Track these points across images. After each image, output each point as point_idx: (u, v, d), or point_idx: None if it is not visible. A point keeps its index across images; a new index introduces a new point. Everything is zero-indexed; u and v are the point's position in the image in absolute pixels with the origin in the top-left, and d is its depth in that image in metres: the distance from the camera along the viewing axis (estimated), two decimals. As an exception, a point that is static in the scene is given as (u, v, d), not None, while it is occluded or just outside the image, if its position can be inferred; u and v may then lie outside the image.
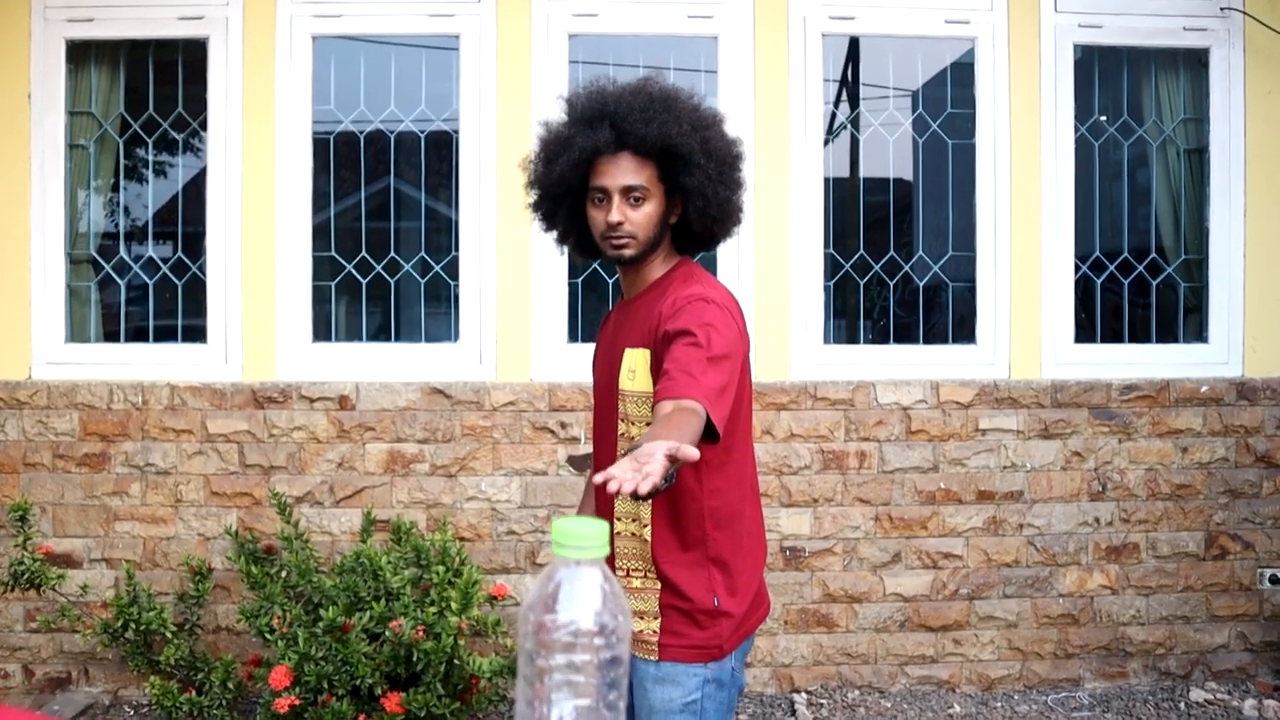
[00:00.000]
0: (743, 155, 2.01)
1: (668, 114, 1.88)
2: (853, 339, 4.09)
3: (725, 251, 3.75)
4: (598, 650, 1.01)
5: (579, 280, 3.82)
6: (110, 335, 3.87)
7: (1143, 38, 3.96)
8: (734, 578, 1.92)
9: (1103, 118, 4.06)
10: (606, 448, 2.00)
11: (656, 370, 1.83)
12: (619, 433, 1.94)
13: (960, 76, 4.00)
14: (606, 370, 2.03)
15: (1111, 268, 4.02)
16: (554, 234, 2.10)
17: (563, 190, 1.96)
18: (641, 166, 1.89)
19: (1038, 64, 3.86)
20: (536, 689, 1.04)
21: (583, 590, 0.99)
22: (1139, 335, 4.04)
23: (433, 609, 3.07)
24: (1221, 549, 3.85)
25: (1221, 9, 3.90)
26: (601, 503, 1.98)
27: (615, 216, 1.88)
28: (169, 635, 3.20)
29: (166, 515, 3.62)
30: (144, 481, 3.61)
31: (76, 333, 3.78)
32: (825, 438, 3.73)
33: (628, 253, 1.91)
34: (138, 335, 3.86)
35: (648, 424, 1.86)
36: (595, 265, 3.80)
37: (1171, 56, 4.02)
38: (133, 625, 3.20)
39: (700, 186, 1.90)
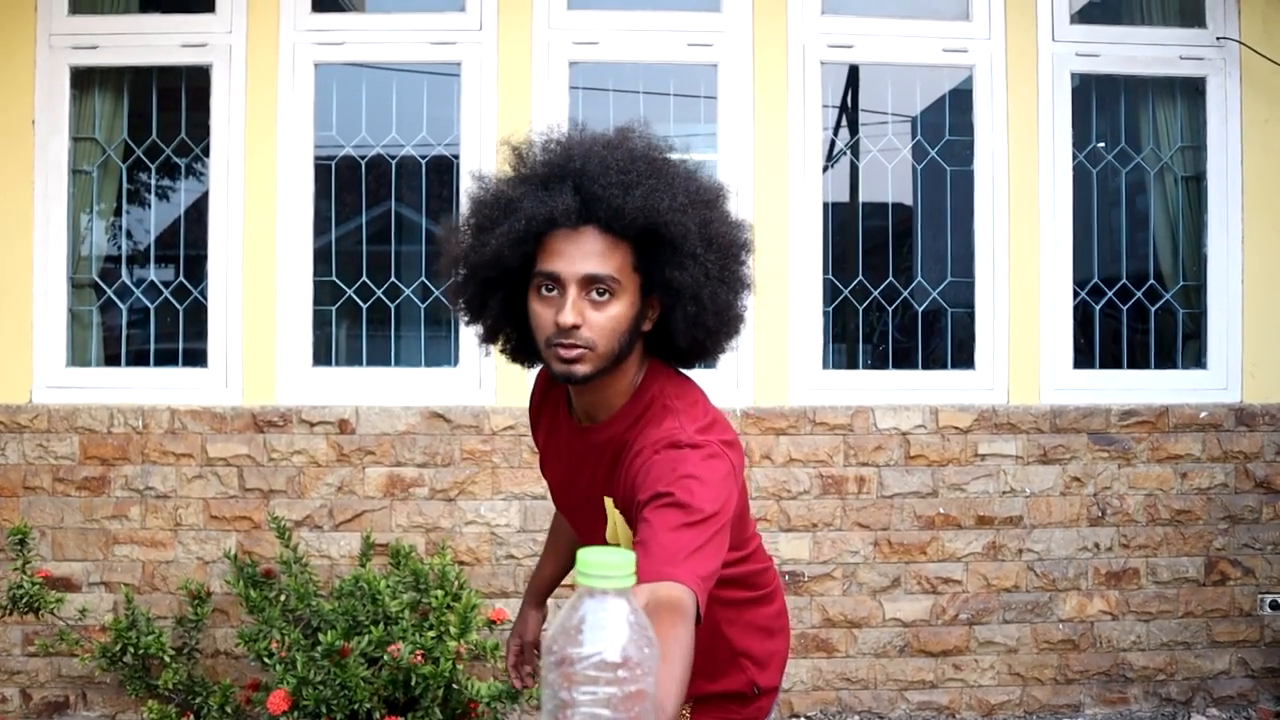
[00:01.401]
0: (749, 245, 1.55)
1: (656, 179, 1.41)
2: (852, 364, 4.10)
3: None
4: (623, 683, 1.00)
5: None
6: (111, 359, 3.89)
7: (1140, 66, 3.99)
8: (768, 659, 1.76)
9: (1101, 145, 4.09)
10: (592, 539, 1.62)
11: (628, 514, 1.45)
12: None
13: (959, 103, 4.03)
14: (586, 514, 1.62)
15: (1110, 294, 4.03)
16: (478, 329, 1.59)
17: (498, 272, 1.45)
18: (612, 249, 1.40)
19: (1035, 92, 3.88)
20: None
21: (608, 621, 0.98)
22: (1138, 361, 4.05)
23: (431, 633, 3.07)
24: (1222, 574, 3.84)
25: (1218, 38, 3.93)
26: None
27: (569, 317, 1.37)
28: (167, 659, 3.19)
29: (166, 539, 3.62)
30: (143, 505, 3.62)
31: (78, 356, 3.79)
32: (824, 463, 3.74)
33: (580, 370, 1.41)
34: (139, 359, 3.87)
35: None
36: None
37: (1169, 85, 4.04)
38: (131, 649, 3.19)
39: (694, 286, 1.42)
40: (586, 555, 0.95)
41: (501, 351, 1.62)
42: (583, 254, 1.39)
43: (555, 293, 1.40)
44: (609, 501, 1.51)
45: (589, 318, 1.39)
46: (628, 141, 1.46)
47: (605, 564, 0.96)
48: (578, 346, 1.39)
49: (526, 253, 1.42)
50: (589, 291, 1.39)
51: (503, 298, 1.49)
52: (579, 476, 1.58)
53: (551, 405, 1.68)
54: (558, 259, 1.40)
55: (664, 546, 1.24)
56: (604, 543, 1.56)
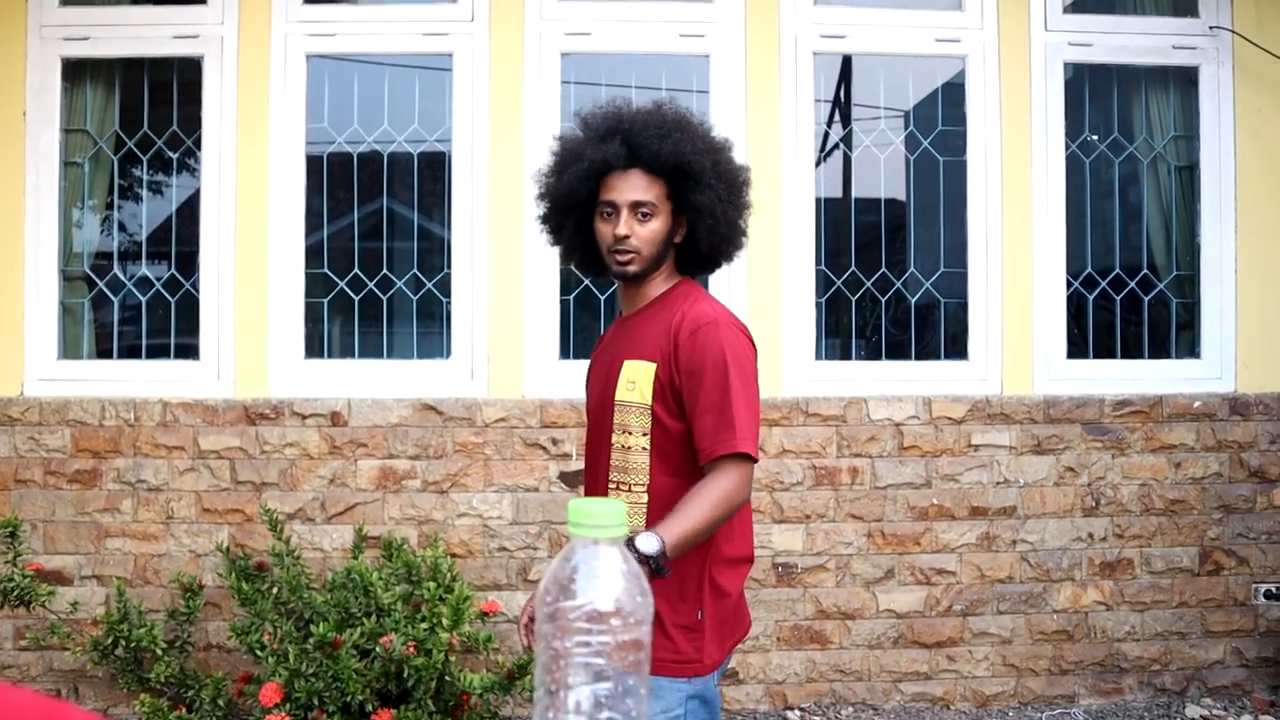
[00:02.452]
0: (750, 181, 2.04)
1: (681, 133, 1.91)
2: (845, 355, 4.09)
3: (717, 272, 3.74)
4: (616, 632, 0.99)
5: (571, 297, 3.83)
6: (103, 352, 3.88)
7: (1133, 56, 3.99)
8: (722, 592, 1.92)
9: (1094, 135, 4.08)
10: (600, 461, 2.00)
11: (665, 389, 1.90)
12: (613, 444, 1.95)
13: (952, 96, 4.02)
14: (601, 384, 2.04)
15: (1104, 284, 4.03)
16: (559, 248, 2.13)
17: (571, 203, 1.99)
18: (651, 183, 1.92)
19: (1028, 82, 3.88)
20: (554, 674, 1.02)
21: (601, 570, 0.98)
22: (1131, 351, 4.05)
23: (424, 625, 3.06)
24: (1216, 564, 3.84)
25: (1211, 28, 3.93)
26: None
27: (623, 229, 1.91)
28: (159, 652, 3.19)
29: (158, 532, 3.61)
30: (135, 498, 3.61)
31: (69, 349, 3.78)
32: (817, 454, 3.73)
33: (632, 269, 1.94)
34: (131, 352, 3.87)
35: (645, 434, 1.91)
36: (587, 282, 3.81)
37: (1162, 74, 4.04)
38: (123, 642, 3.19)
39: (710, 206, 1.92)
40: (578, 505, 0.95)
41: (575, 266, 2.15)
42: (630, 187, 1.92)
43: (612, 215, 1.94)
44: (628, 364, 1.94)
45: (636, 231, 1.92)
46: (661, 108, 1.97)
47: (597, 513, 0.96)
48: (629, 252, 1.93)
49: (591, 188, 1.96)
50: (636, 213, 1.92)
51: (575, 221, 2.02)
52: (614, 360, 2.00)
53: (602, 338, 2.17)
54: (613, 191, 1.93)
55: (720, 418, 1.82)
56: (609, 450, 1.96)
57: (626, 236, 1.91)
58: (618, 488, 1.94)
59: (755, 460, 1.83)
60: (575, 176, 1.94)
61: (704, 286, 2.10)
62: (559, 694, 0.96)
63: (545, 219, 2.08)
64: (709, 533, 1.80)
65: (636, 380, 1.92)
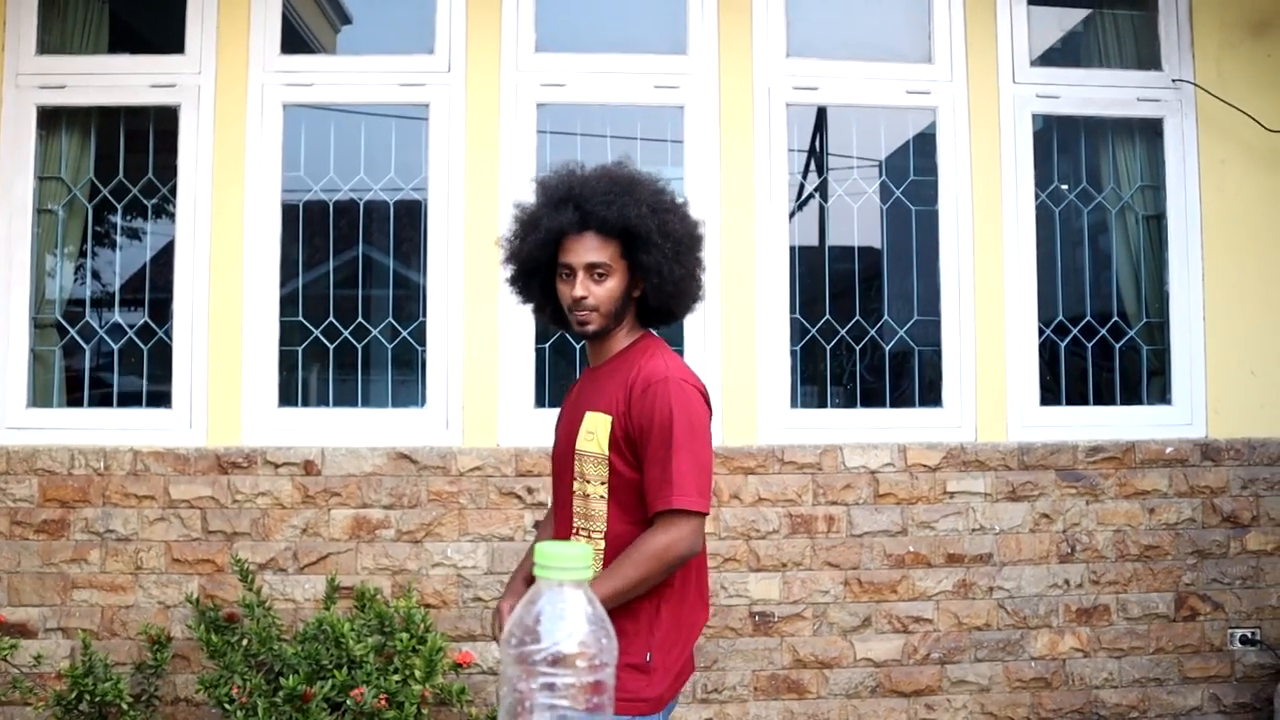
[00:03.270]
0: (701, 238, 2.14)
1: (628, 196, 2.02)
2: (821, 403, 4.11)
3: (692, 318, 3.76)
4: (581, 674, 0.99)
5: (546, 346, 3.83)
6: (74, 400, 3.84)
7: (1099, 108, 4.07)
8: (673, 636, 2.01)
9: (1063, 185, 4.15)
10: (563, 508, 2.11)
11: (620, 441, 2.00)
12: (574, 491, 2.05)
13: (923, 147, 4.08)
14: (566, 433, 2.15)
15: (1075, 331, 4.07)
16: (531, 306, 2.25)
17: (534, 267, 2.11)
18: (605, 245, 2.02)
19: (998, 133, 3.95)
20: (518, 718, 1.01)
21: (567, 613, 0.98)
22: (1104, 398, 4.08)
23: (396, 677, 3.02)
24: (1192, 610, 3.85)
25: (1173, 80, 4.02)
26: None
27: (579, 291, 2.02)
28: (125, 707, 3.12)
29: (126, 583, 3.56)
30: (104, 548, 3.55)
31: (39, 397, 3.74)
32: (793, 502, 3.73)
33: (590, 327, 2.06)
34: (102, 400, 3.83)
35: (603, 482, 2.01)
36: (562, 331, 3.81)
37: (1128, 126, 4.12)
38: (88, 697, 3.12)
39: (657, 265, 2.02)
40: (545, 549, 0.96)
41: (549, 321, 2.27)
42: (585, 249, 2.03)
43: (570, 276, 2.05)
44: (589, 415, 2.04)
45: (593, 290, 2.03)
46: (611, 172, 2.08)
47: (563, 556, 0.97)
48: (587, 310, 2.04)
49: (550, 252, 2.07)
50: (591, 274, 2.03)
51: (540, 283, 2.15)
52: (577, 410, 2.10)
53: (572, 388, 2.26)
54: (569, 254, 2.04)
55: (663, 476, 1.92)
56: (571, 496, 2.07)
57: (584, 297, 2.02)
58: (578, 533, 2.05)
59: (699, 513, 1.94)
60: (534, 244, 2.06)
61: (663, 340, 2.19)
62: None
63: (512, 281, 2.20)
64: (641, 588, 1.92)
65: (595, 431, 2.03)
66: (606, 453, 2.01)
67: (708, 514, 1.98)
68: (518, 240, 2.13)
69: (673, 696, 2.01)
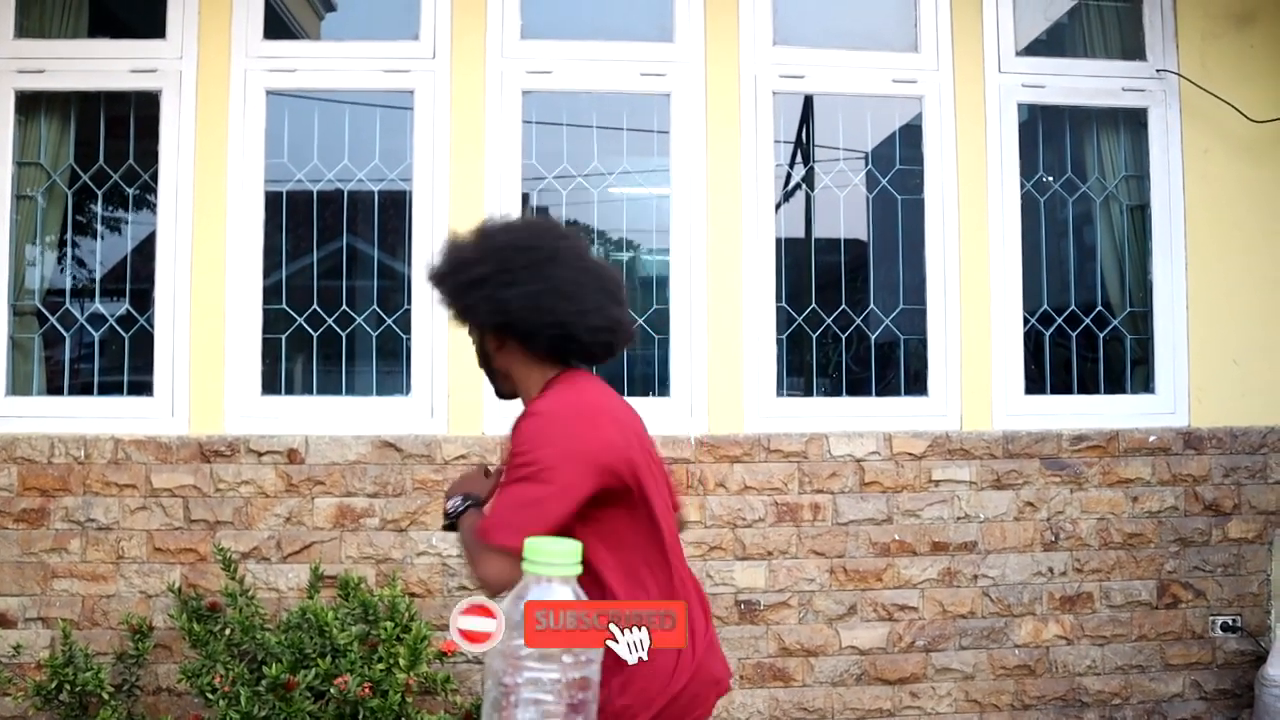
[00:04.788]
0: (544, 253, 1.92)
1: (442, 285, 2.01)
2: (807, 392, 4.11)
3: (677, 307, 3.77)
4: (566, 669, 0.99)
5: (533, 333, 3.81)
6: (54, 389, 3.80)
7: (1084, 98, 4.08)
8: (631, 676, 1.71)
9: (1048, 175, 4.16)
10: None
11: None
12: None
13: (909, 137, 4.09)
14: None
15: (1060, 321, 4.08)
16: None
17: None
18: (471, 332, 2.06)
19: (983, 122, 3.95)
20: (503, 712, 1.01)
21: None
22: (1088, 387, 4.10)
23: (380, 666, 3.01)
24: (1174, 597, 3.87)
25: (1157, 70, 4.03)
26: None
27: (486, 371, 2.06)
28: (106, 697, 3.09)
29: (107, 572, 3.52)
30: (84, 538, 3.52)
31: (19, 386, 3.70)
32: (779, 490, 3.73)
33: (504, 396, 2.09)
34: (83, 389, 3.80)
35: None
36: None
37: (1112, 116, 4.13)
38: (68, 687, 3.09)
39: (488, 298, 1.91)
40: (533, 544, 0.96)
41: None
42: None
43: None
44: None
45: (490, 374, 2.08)
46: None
47: (550, 552, 0.96)
48: (496, 384, 2.11)
49: None
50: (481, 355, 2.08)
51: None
52: None
53: None
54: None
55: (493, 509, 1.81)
56: None
57: (490, 373, 2.07)
58: None
59: (508, 549, 1.61)
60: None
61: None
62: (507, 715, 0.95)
63: None
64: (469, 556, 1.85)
65: None
66: None
67: (509, 548, 1.60)
68: None
69: None
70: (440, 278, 1.99)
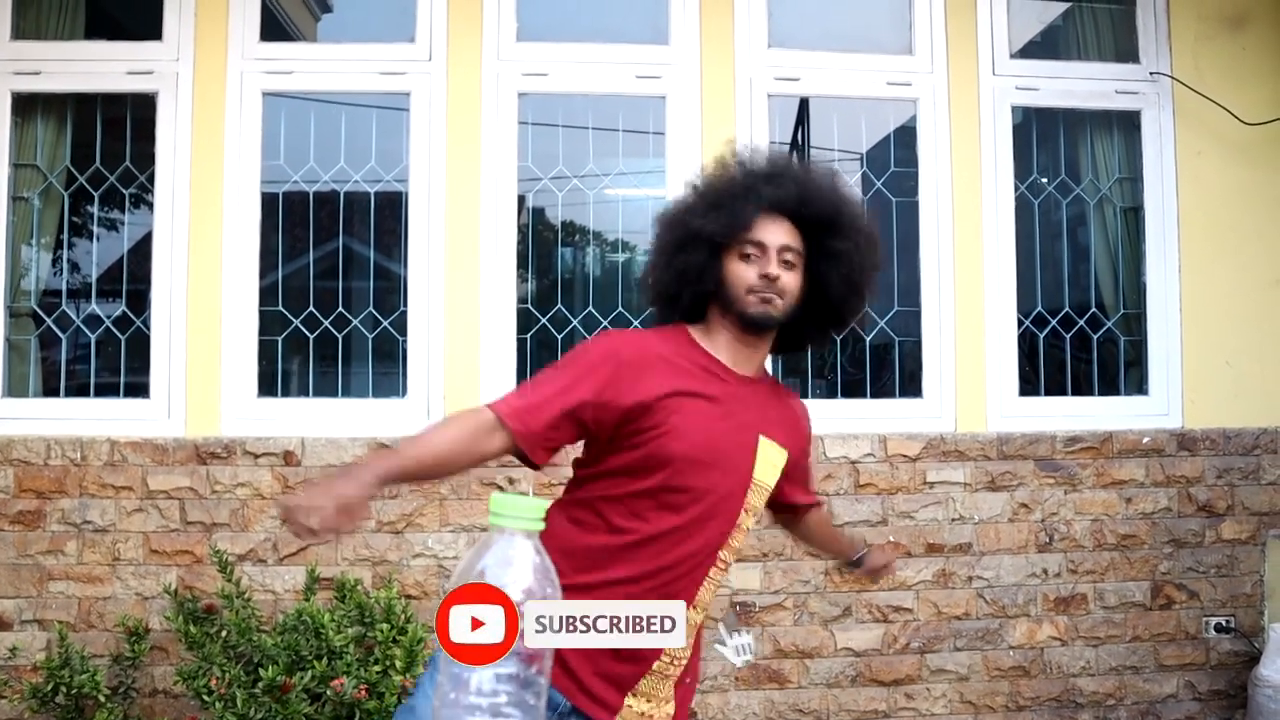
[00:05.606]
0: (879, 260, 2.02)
1: (834, 191, 1.93)
2: (802, 394, 4.11)
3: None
4: (524, 619, 1.00)
5: (528, 336, 3.82)
6: (50, 390, 3.80)
7: (1078, 100, 4.10)
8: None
9: (1042, 177, 4.18)
10: (715, 539, 1.81)
11: (791, 463, 1.94)
12: (735, 524, 1.83)
13: (905, 139, 4.10)
14: (739, 454, 1.85)
15: (1054, 322, 4.10)
16: (668, 285, 1.93)
17: (722, 238, 1.86)
18: (796, 235, 1.87)
19: (977, 125, 3.96)
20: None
21: (515, 559, 0.99)
22: (1082, 388, 4.12)
23: (376, 668, 3.01)
24: (1167, 598, 3.89)
25: (1151, 73, 4.05)
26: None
27: (774, 269, 1.83)
28: (102, 699, 3.10)
29: (103, 574, 3.52)
30: (80, 540, 3.52)
31: (15, 387, 3.70)
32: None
33: (774, 312, 1.84)
34: (79, 391, 3.80)
35: (757, 516, 1.93)
36: (544, 321, 3.81)
37: (1106, 118, 4.15)
38: (64, 689, 3.09)
39: (849, 253, 1.88)
40: (499, 497, 0.97)
41: (674, 310, 1.94)
42: (783, 232, 1.86)
43: (760, 257, 1.84)
44: (766, 443, 1.86)
45: (783, 274, 1.84)
46: (820, 169, 2.00)
47: (516, 505, 0.98)
48: (774, 294, 1.84)
49: (739, 226, 1.85)
50: (783, 258, 1.85)
51: (698, 264, 1.87)
52: (737, 425, 1.84)
53: (671, 361, 1.85)
54: (763, 232, 1.85)
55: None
56: (736, 498, 1.82)
57: (776, 277, 1.83)
58: (726, 568, 1.88)
59: (501, 420, 1.69)
60: (742, 213, 1.85)
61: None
62: (463, 675, 0.97)
63: (679, 249, 1.90)
64: (428, 460, 1.68)
65: (776, 464, 1.89)
66: (771, 486, 1.91)
67: (505, 421, 1.72)
68: (713, 207, 1.87)
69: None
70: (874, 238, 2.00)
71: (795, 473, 2.00)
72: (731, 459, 1.82)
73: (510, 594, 0.98)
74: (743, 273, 1.84)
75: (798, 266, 1.87)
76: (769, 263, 1.83)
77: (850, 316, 2.00)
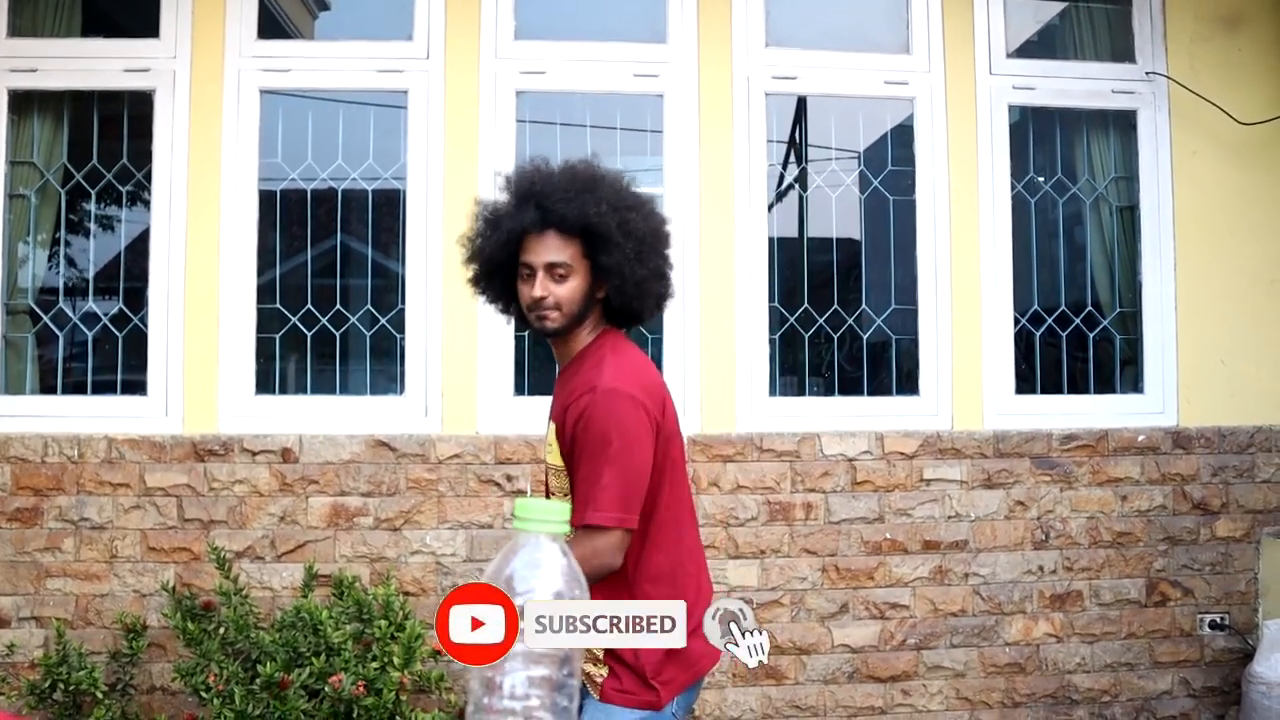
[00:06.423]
0: (668, 235, 2.10)
1: (589, 194, 1.98)
2: (799, 392, 4.12)
3: (672, 306, 3.77)
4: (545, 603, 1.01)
5: (526, 333, 3.81)
6: (47, 388, 3.80)
7: (1074, 100, 4.11)
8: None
9: (1039, 176, 4.19)
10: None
11: (564, 453, 1.98)
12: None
13: (902, 138, 4.11)
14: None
15: (1050, 321, 4.11)
16: (496, 306, 2.20)
17: (494, 266, 2.07)
18: (566, 244, 1.98)
19: (974, 124, 3.97)
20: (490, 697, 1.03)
21: (542, 563, 1.00)
22: (1078, 386, 4.13)
23: (374, 664, 3.01)
24: (1162, 595, 3.90)
25: (1147, 73, 4.06)
26: None
27: (538, 291, 1.98)
28: (100, 696, 3.10)
29: (101, 571, 3.52)
30: (78, 537, 3.52)
31: (12, 385, 3.70)
32: (772, 489, 3.75)
33: (550, 326, 2.01)
34: (76, 388, 3.79)
35: (565, 494, 2.00)
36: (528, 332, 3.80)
37: (1102, 118, 4.16)
38: (62, 686, 3.09)
39: (618, 265, 1.98)
40: (523, 503, 0.99)
41: (514, 320, 2.20)
42: (545, 249, 1.98)
43: (530, 276, 2.00)
44: (550, 423, 2.05)
45: (553, 290, 1.98)
46: (575, 169, 2.04)
47: (540, 509, 0.99)
48: (547, 310, 1.99)
49: (511, 251, 2.02)
50: (552, 274, 1.98)
51: (502, 282, 2.10)
52: (552, 409, 2.08)
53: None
54: (530, 253, 2.00)
55: (587, 489, 1.87)
56: (545, 483, 2.05)
57: (543, 298, 1.97)
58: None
59: (621, 526, 1.87)
60: (495, 243, 2.03)
61: (624, 337, 2.15)
62: (495, 679, 0.98)
63: (474, 281, 2.16)
64: None
65: (553, 443, 2.02)
66: (562, 465, 1.99)
67: (632, 528, 1.89)
68: (479, 239, 2.09)
69: (678, 691, 1.98)
70: (655, 228, 2.07)
71: (572, 463, 1.97)
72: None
73: (541, 597, 0.99)
74: (523, 293, 2.03)
75: (574, 273, 1.99)
76: (535, 284, 1.98)
77: (646, 313, 2.11)
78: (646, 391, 1.99)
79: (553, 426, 2.02)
